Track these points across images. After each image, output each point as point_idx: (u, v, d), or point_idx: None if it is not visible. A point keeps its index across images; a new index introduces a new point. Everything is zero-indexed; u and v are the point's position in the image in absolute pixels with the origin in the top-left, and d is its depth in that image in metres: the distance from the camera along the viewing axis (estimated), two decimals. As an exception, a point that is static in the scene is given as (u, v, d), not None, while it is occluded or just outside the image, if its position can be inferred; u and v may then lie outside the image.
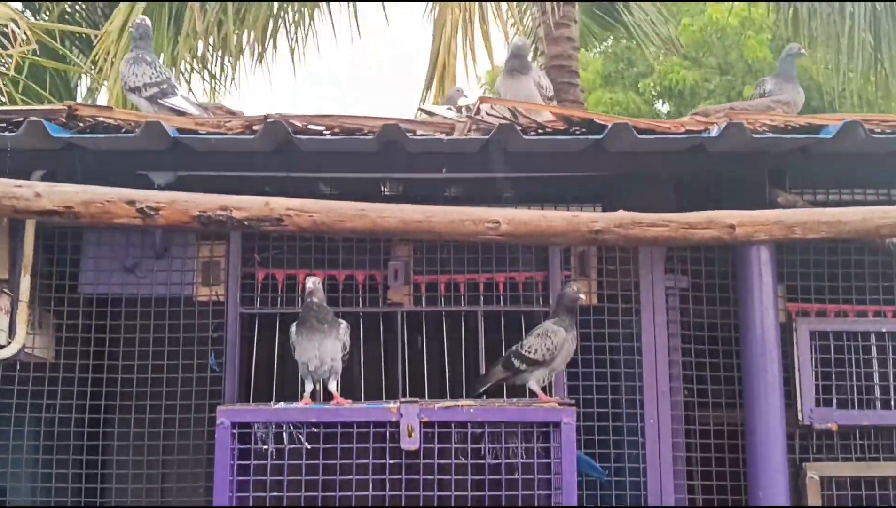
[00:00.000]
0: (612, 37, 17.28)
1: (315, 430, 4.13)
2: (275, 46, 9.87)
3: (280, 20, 9.61)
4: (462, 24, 8.58)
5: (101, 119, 4.40)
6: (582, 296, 4.55)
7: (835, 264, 5.01)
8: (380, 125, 4.30)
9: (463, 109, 5.38)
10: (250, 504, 4.11)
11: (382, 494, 4.17)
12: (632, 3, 11.10)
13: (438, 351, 5.10)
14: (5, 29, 8.02)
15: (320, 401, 4.43)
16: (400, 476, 4.15)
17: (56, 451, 4.79)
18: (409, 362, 4.95)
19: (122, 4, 8.13)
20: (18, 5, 9.51)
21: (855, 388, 4.93)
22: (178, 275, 4.91)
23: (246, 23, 9.20)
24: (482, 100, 4.74)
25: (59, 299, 4.88)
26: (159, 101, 4.86)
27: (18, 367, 4.73)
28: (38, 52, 8.49)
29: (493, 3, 8.72)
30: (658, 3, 11.49)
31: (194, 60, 9.38)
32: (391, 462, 4.19)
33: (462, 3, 8.57)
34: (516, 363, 4.46)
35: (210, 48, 9.32)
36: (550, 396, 4.54)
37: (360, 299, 4.95)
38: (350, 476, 4.12)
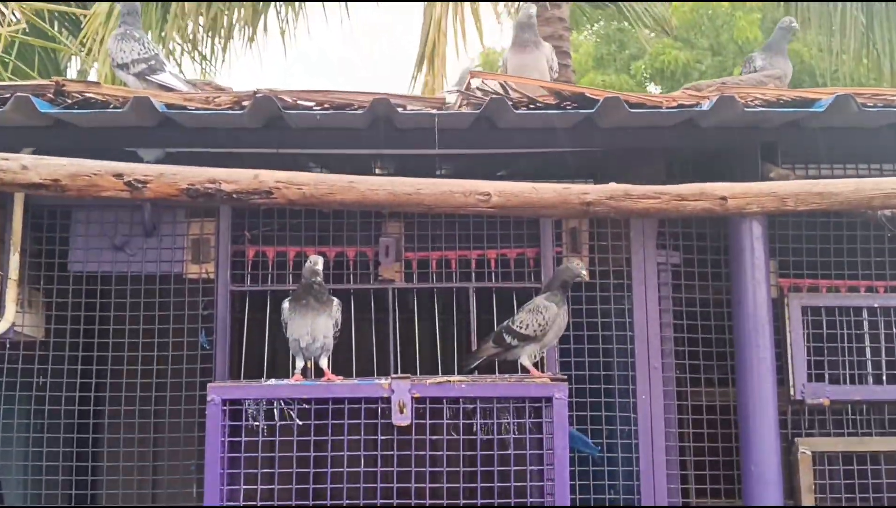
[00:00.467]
0: (602, 19, 17.25)
1: (306, 407, 4.12)
2: (265, 27, 9.83)
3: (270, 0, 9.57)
4: (452, 3, 8.55)
5: (89, 95, 4.36)
6: (584, 272, 4.51)
7: (827, 239, 5.00)
8: (369, 100, 4.27)
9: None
10: (242, 481, 4.10)
11: (374, 470, 4.16)
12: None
13: (430, 328, 5.09)
14: (-7, 9, 7.97)
15: (312, 378, 4.41)
16: (391, 452, 4.15)
17: (47, 430, 4.78)
18: (401, 339, 4.93)
19: (110, -16, 8.07)
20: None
21: (847, 363, 4.93)
22: (167, 253, 4.88)
23: (235, 3, 9.16)
24: (472, 74, 4.71)
25: (48, 278, 4.85)
26: (147, 77, 4.82)
27: (8, 346, 4.71)
28: (27, 32, 8.43)
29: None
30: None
31: (184, 42, 9.33)
32: (383, 438, 4.19)
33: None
34: (508, 338, 4.44)
35: (200, 28, 9.27)
36: (542, 372, 4.53)
37: (352, 276, 4.93)
38: (342, 453, 4.12)
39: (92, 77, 9.22)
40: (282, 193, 3.36)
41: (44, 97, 4.34)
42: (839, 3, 9.49)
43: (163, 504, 4.96)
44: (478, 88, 4.64)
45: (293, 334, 4.34)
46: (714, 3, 18.30)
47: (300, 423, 4.12)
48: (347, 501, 4.09)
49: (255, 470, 4.11)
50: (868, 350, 4.97)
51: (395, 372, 4.72)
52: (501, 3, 9.67)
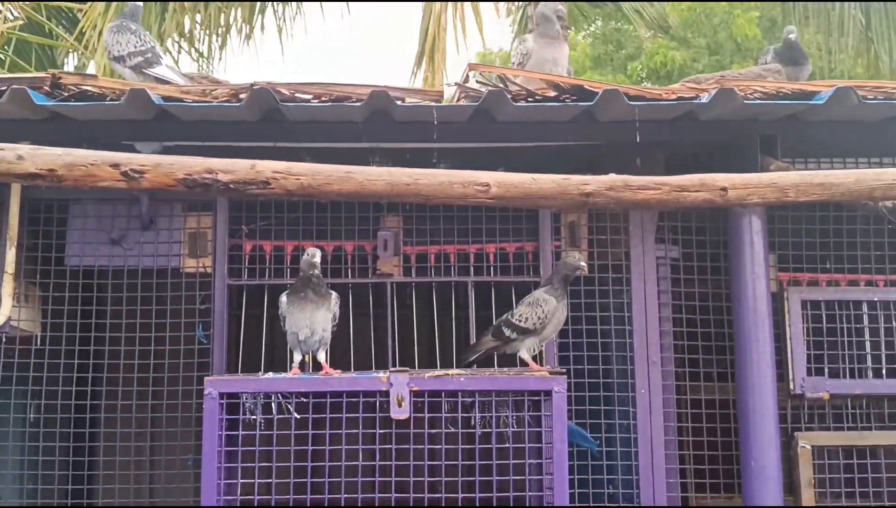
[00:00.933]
0: (600, 18, 17.23)
1: (304, 400, 4.10)
2: (262, 26, 9.82)
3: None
4: (452, 1, 8.54)
5: (85, 87, 4.34)
6: (583, 265, 4.48)
7: (826, 233, 4.99)
8: (367, 92, 4.25)
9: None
10: (239, 475, 4.08)
11: (372, 464, 4.14)
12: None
13: (428, 322, 5.07)
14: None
15: (309, 372, 4.39)
16: (390, 446, 4.12)
17: (43, 424, 4.75)
18: (399, 333, 4.91)
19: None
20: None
21: (847, 357, 4.92)
22: (164, 247, 4.86)
23: (233, 3, 9.15)
24: (471, 67, 4.69)
25: (45, 272, 4.83)
26: (144, 70, 4.81)
27: (4, 340, 4.69)
28: (23, 29, 8.41)
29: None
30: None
31: (182, 39, 9.32)
32: (381, 431, 4.17)
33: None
34: (507, 331, 4.43)
35: (197, 25, 9.25)
36: (541, 366, 4.51)
37: (350, 271, 4.91)
38: (339, 446, 4.09)
39: (90, 71, 9.18)
40: (279, 183, 3.35)
41: (40, 90, 4.32)
42: (837, 3, 9.49)
43: (160, 498, 4.94)
44: (477, 81, 4.63)
45: (291, 327, 4.32)
46: (712, 1, 18.29)
47: (298, 417, 4.09)
48: (345, 494, 4.07)
49: (253, 464, 4.09)
50: (868, 344, 4.96)
51: (394, 366, 4.69)
52: (503, 3, 9.65)
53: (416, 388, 4.07)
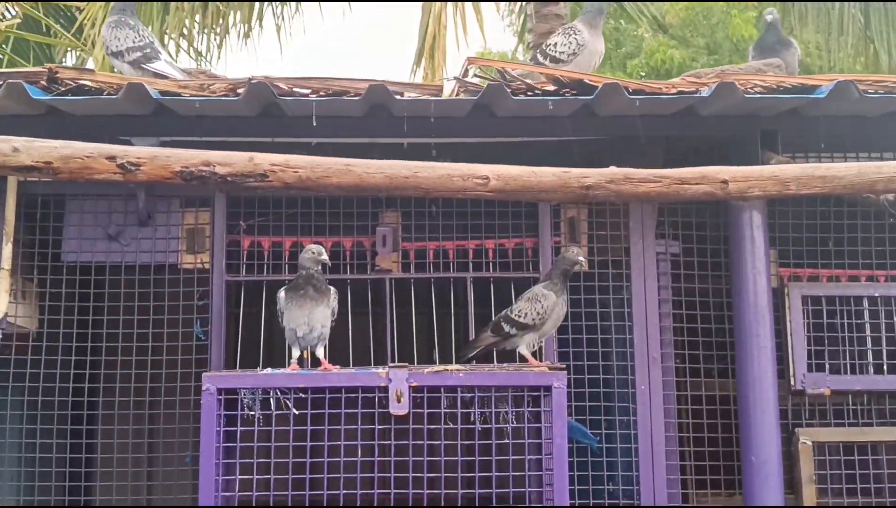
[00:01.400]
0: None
1: (303, 396, 4.08)
2: (261, 24, 9.80)
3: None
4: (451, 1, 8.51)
5: (82, 82, 4.33)
6: (582, 259, 4.46)
7: (827, 228, 4.97)
8: (366, 87, 4.23)
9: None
10: (237, 471, 4.06)
11: (371, 460, 4.11)
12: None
13: (427, 318, 5.05)
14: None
15: (308, 367, 4.37)
16: (389, 442, 4.10)
17: (41, 421, 4.73)
18: (398, 329, 4.89)
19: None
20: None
21: (847, 353, 4.91)
22: (162, 242, 4.83)
23: (233, 3, 9.13)
24: (469, 60, 4.67)
25: (41, 268, 4.81)
26: (142, 65, 4.78)
27: (1, 337, 4.66)
28: (21, 26, 8.39)
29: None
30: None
31: (181, 38, 9.30)
32: (380, 427, 4.15)
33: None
34: (506, 327, 4.40)
35: (196, 25, 9.24)
36: (541, 362, 4.48)
37: (348, 266, 4.89)
38: (338, 442, 4.07)
39: (89, 66, 9.17)
40: (277, 176, 3.33)
41: (37, 84, 4.30)
42: (837, 3, 9.48)
43: (158, 495, 4.91)
44: (475, 76, 4.61)
45: (290, 323, 4.29)
46: (710, 1, 18.26)
47: (296, 413, 4.07)
48: (344, 491, 4.04)
49: (252, 460, 4.07)
50: (868, 340, 4.94)
51: (393, 362, 4.67)
52: (503, 3, 9.62)
53: (415, 384, 4.04)
